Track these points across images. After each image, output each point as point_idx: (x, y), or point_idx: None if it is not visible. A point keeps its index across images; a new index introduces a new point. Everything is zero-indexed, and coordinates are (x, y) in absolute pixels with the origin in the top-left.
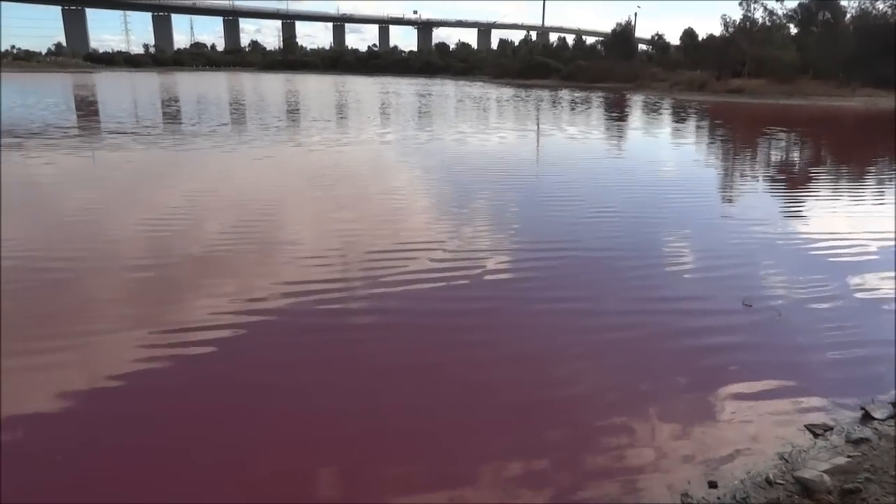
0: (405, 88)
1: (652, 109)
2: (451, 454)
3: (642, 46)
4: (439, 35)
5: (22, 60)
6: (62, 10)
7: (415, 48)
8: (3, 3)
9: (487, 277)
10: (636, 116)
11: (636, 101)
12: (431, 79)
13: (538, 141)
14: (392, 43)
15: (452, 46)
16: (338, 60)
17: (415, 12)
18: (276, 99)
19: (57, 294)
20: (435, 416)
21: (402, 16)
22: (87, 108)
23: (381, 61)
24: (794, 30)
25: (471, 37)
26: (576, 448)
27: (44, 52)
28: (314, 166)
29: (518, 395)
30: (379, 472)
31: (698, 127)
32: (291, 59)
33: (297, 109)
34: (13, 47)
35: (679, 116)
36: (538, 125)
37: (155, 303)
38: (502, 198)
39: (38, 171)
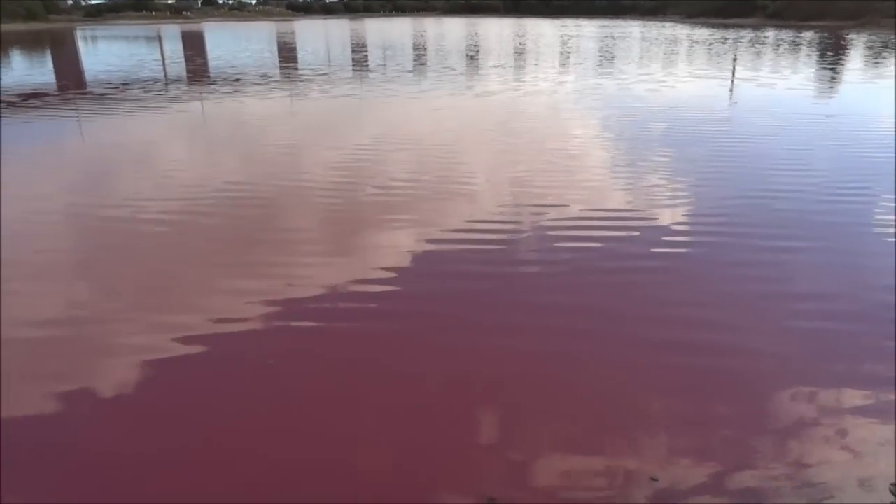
0: (589, 30)
1: (886, 53)
2: (606, 416)
3: None
4: None
5: (236, 10)
6: None
7: None
8: None
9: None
10: (867, 62)
11: (862, 43)
12: (617, 19)
13: (748, 93)
14: None
15: None
16: (519, 2)
17: None
18: (457, 44)
19: (260, 223)
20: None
21: None
22: (286, 55)
23: (564, 2)
24: None
25: None
26: (751, 427)
27: (254, 2)
28: (492, 117)
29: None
30: (533, 426)
31: None
32: (474, 2)
33: (477, 55)
34: None
35: None
36: (745, 73)
37: (342, 234)
38: (709, 166)
39: (244, 113)
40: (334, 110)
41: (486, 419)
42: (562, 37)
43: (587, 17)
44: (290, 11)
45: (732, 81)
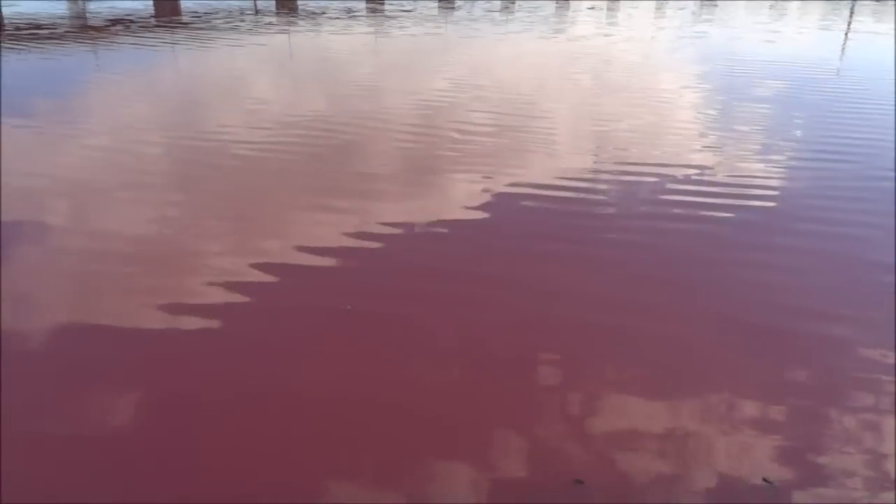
0: None
1: None
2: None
3: None
4: None
5: None
6: None
7: None
8: None
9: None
10: None
11: None
12: None
13: (882, 51)
14: None
15: None
16: None
17: None
18: None
19: (337, 156)
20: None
21: None
22: None
23: None
24: None
25: None
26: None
27: None
28: (582, 65)
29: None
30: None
31: None
32: None
33: None
34: None
35: None
36: (878, 26)
37: (418, 170)
38: (828, 138)
39: (328, 49)
40: (416, 50)
41: (564, 391)
42: None
43: None
44: None
45: (847, 35)
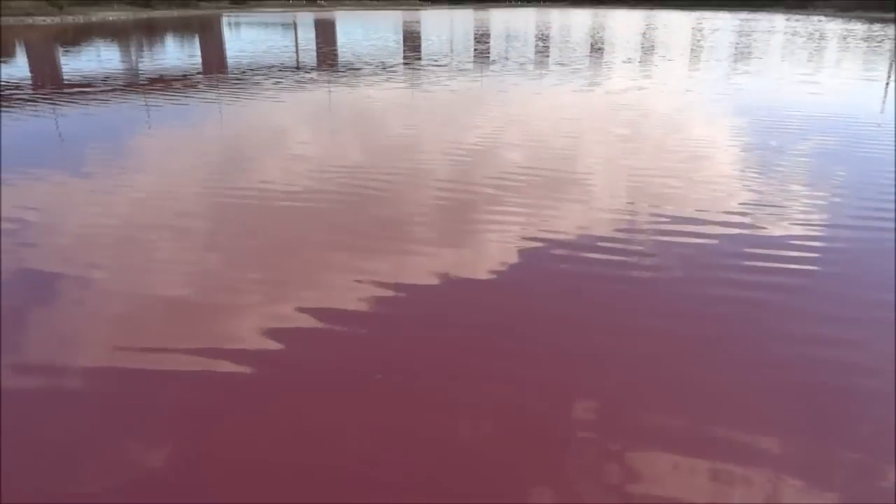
0: (727, 23)
1: None
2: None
3: None
4: None
5: (367, 0)
6: None
7: None
8: None
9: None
10: None
11: None
12: (758, 13)
13: None
14: None
15: None
16: None
17: None
18: (584, 36)
19: (373, 208)
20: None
21: None
22: (410, 44)
23: None
24: None
25: None
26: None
27: None
28: (617, 120)
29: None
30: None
31: None
32: None
33: (602, 47)
34: None
35: None
36: None
37: (451, 223)
38: (871, 194)
39: (364, 106)
40: (451, 104)
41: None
42: (696, 29)
43: (723, 9)
44: (418, 0)
45: (887, 84)
